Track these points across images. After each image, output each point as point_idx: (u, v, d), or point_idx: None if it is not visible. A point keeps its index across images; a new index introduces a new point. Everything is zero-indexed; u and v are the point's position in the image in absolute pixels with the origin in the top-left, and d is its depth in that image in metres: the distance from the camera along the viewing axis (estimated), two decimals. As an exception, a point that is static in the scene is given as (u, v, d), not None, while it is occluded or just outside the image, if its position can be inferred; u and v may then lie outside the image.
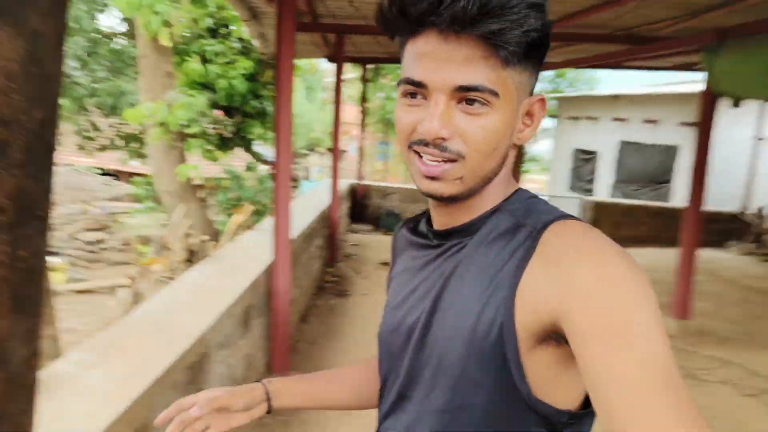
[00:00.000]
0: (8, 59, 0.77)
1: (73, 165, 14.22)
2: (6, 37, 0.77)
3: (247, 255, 3.12)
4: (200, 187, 8.46)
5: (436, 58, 0.62)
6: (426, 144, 0.65)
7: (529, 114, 0.69)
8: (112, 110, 11.90)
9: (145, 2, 6.60)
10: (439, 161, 0.66)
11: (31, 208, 0.84)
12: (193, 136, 7.60)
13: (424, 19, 0.61)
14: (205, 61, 7.56)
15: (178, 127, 7.23)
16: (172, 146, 7.65)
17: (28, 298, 0.87)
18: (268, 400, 0.88)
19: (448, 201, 0.70)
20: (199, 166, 7.92)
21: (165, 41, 6.95)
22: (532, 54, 0.64)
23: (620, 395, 0.51)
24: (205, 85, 7.55)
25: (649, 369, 0.51)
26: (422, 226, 0.81)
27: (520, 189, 0.74)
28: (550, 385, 0.63)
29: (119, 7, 7.04)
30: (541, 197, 0.72)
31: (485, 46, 0.60)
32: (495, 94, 0.62)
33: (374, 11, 0.68)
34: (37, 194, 0.83)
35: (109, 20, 24.23)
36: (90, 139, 12.23)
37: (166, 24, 6.77)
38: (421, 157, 0.67)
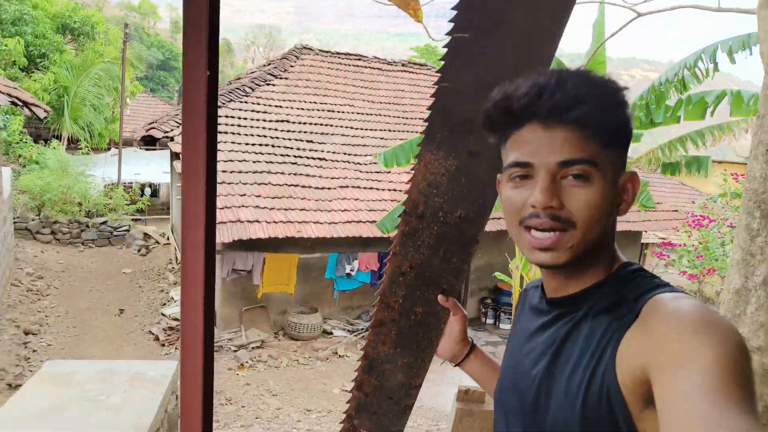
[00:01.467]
0: (436, 174, 1.10)
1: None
2: (436, 159, 1.10)
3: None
4: None
5: (540, 143, 0.72)
6: (537, 216, 0.72)
7: (623, 189, 0.76)
8: None
9: None
10: (550, 230, 0.72)
11: (435, 280, 1.14)
12: None
13: (527, 112, 0.72)
14: None
15: None
16: None
17: (411, 340, 1.15)
18: (469, 352, 1.13)
19: (560, 269, 0.76)
20: None
21: None
22: (619, 136, 0.75)
23: (673, 413, 0.56)
24: None
25: (722, 382, 0.55)
26: (536, 292, 0.90)
27: (625, 262, 0.79)
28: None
29: None
30: (643, 270, 0.78)
31: (580, 129, 0.71)
32: (594, 164, 0.71)
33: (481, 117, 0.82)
34: (443, 271, 1.13)
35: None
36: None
37: None
38: (530, 231, 0.74)
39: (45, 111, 7.95)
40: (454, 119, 1.09)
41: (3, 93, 6.46)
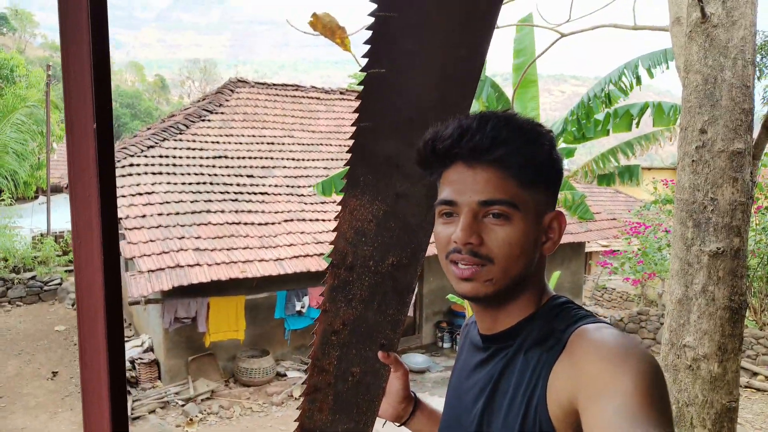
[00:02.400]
0: (362, 221, 1.00)
1: None
2: (361, 204, 1.00)
3: None
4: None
5: (463, 182, 0.77)
6: (459, 251, 0.76)
7: (549, 227, 0.80)
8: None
9: None
10: (470, 265, 0.76)
11: (371, 335, 1.03)
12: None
13: (451, 153, 0.77)
14: None
15: None
16: None
17: (350, 404, 1.03)
18: (414, 409, 1.07)
19: (482, 302, 0.81)
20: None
21: None
22: (543, 176, 0.78)
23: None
24: None
25: (642, 411, 0.59)
26: (473, 328, 0.92)
27: (553, 296, 0.83)
28: None
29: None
30: (570, 302, 0.82)
31: (500, 170, 0.75)
32: (514, 206, 0.74)
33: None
34: (379, 325, 1.02)
35: None
36: None
37: None
38: (456, 264, 0.78)
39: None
40: (376, 160, 0.99)
41: None
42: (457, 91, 0.99)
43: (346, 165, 1.00)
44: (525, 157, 0.75)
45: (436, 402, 1.13)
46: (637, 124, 6.31)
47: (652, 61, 4.98)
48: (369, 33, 0.99)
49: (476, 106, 5.94)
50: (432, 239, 0.90)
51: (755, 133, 3.00)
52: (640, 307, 9.38)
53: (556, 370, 0.71)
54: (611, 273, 9.96)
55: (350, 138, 1.00)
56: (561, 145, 7.23)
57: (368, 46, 0.99)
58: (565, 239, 9.80)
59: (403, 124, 1.00)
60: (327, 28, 2.29)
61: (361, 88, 1.01)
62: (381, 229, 1.01)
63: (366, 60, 1.00)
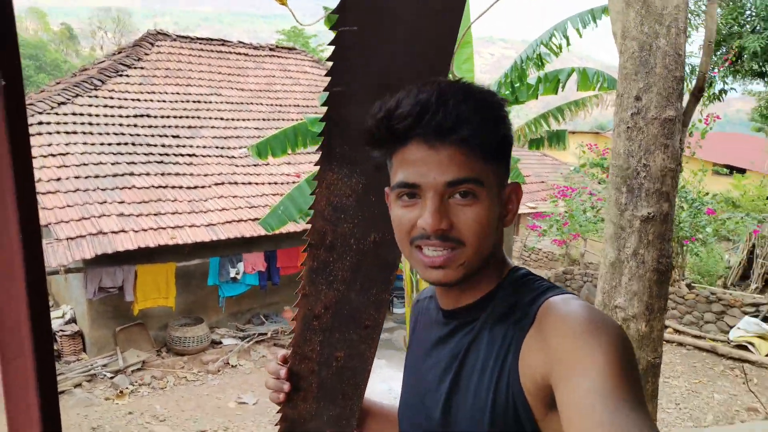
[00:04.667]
0: (341, 195, 0.94)
1: None
2: (338, 178, 0.93)
3: None
4: None
5: (426, 162, 0.71)
6: (428, 237, 0.72)
7: (509, 200, 0.78)
8: None
9: None
10: (441, 250, 0.73)
11: (355, 317, 0.97)
12: None
13: (410, 133, 0.71)
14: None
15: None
16: None
17: (336, 390, 0.99)
18: (365, 415, 1.05)
19: (453, 286, 0.77)
20: None
21: None
22: (502, 150, 0.76)
23: (581, 409, 0.59)
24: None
25: (613, 385, 0.59)
26: (430, 303, 0.91)
27: (513, 267, 0.82)
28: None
29: None
30: (531, 273, 0.81)
31: (464, 148, 0.70)
32: (480, 183, 0.72)
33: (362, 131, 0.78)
34: (363, 306, 0.97)
35: None
36: None
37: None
38: (423, 250, 0.74)
39: None
40: (352, 129, 0.91)
41: None
42: (434, 52, 0.91)
43: (319, 135, 0.92)
44: (488, 133, 0.72)
45: (383, 365, 1.09)
46: (562, 88, 6.51)
47: (581, 21, 5.11)
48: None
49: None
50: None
51: (685, 102, 3.14)
52: (565, 267, 9.92)
53: (527, 344, 0.70)
54: (540, 235, 10.40)
55: (323, 104, 0.91)
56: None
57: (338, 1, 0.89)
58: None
59: (379, 89, 0.92)
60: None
61: (331, 48, 0.92)
62: (361, 204, 0.94)
63: (336, 16, 0.90)
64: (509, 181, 0.79)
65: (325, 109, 0.91)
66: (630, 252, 2.89)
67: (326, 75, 0.90)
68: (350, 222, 0.94)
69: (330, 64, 0.91)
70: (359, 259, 0.96)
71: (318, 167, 0.92)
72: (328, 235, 0.94)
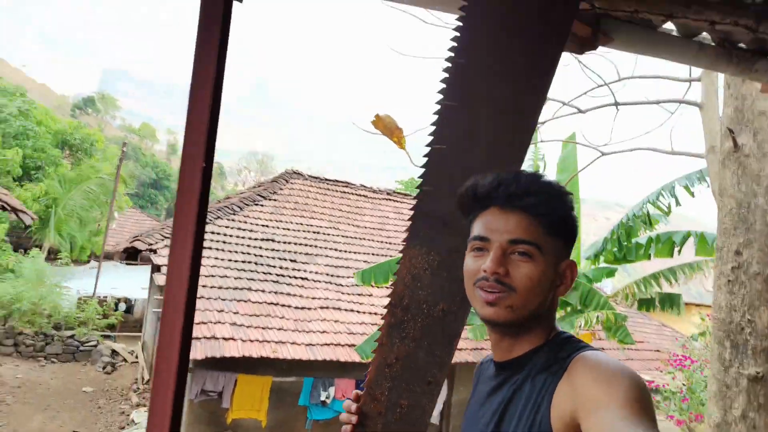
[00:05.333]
0: (419, 268, 1.18)
1: None
2: (419, 254, 1.18)
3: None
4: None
5: (496, 223, 0.91)
6: (487, 279, 0.89)
7: (563, 273, 0.93)
8: None
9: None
10: (495, 291, 0.89)
11: (420, 372, 1.16)
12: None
13: (488, 198, 0.92)
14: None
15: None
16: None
17: None
18: None
19: (501, 327, 0.93)
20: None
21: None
22: (562, 227, 0.93)
23: None
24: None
25: (630, 420, 0.72)
26: (489, 364, 1.05)
27: (559, 331, 0.96)
28: None
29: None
30: (573, 336, 0.96)
31: (530, 217, 0.90)
32: (538, 247, 0.89)
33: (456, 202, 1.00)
34: (428, 364, 1.16)
35: None
36: None
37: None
38: (482, 290, 0.91)
39: (31, 218, 8.04)
40: (434, 218, 1.19)
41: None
42: (504, 163, 1.20)
43: (408, 219, 1.20)
44: (550, 207, 0.91)
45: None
46: (679, 251, 6.34)
47: (689, 182, 5.19)
48: (435, 117, 1.24)
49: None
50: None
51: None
52: (683, 449, 8.68)
53: (559, 390, 0.83)
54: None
55: (413, 198, 1.22)
56: (601, 264, 7.26)
57: (433, 127, 1.23)
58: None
59: (456, 190, 1.22)
60: (387, 127, 2.62)
61: (424, 160, 1.25)
62: (434, 277, 1.18)
63: (431, 138, 1.24)
64: (571, 260, 0.95)
65: (415, 201, 1.20)
66: (738, 414, 2.70)
67: (419, 177, 1.21)
68: (425, 290, 1.17)
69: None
70: (428, 323, 1.17)
71: (404, 244, 1.19)
72: (406, 298, 1.18)
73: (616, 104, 3.90)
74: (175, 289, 1.14)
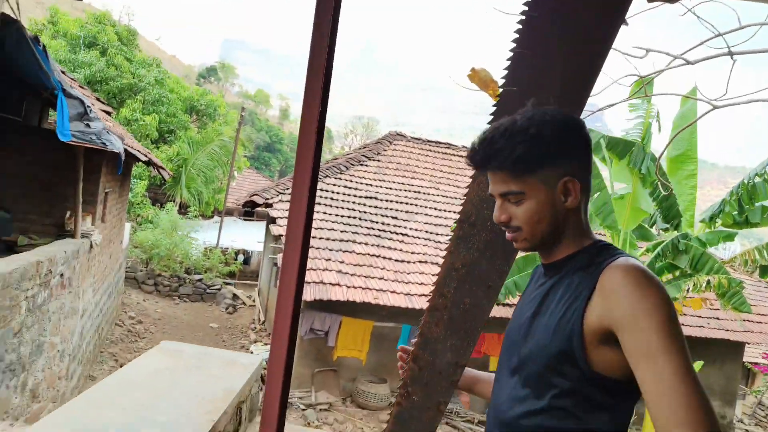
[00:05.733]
0: (485, 191, 1.38)
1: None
2: (486, 180, 1.39)
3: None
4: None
5: (491, 181, 1.07)
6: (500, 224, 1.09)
7: (565, 191, 1.03)
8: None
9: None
10: (509, 233, 1.08)
11: (482, 278, 1.40)
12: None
13: (471, 165, 1.10)
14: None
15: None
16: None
17: (459, 326, 1.39)
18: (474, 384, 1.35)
19: (529, 251, 1.10)
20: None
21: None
22: (539, 164, 1.01)
23: (640, 361, 0.86)
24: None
25: (662, 344, 0.85)
26: (540, 268, 1.19)
27: (596, 240, 1.07)
28: (609, 366, 0.94)
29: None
30: (611, 245, 1.05)
31: (504, 172, 1.03)
32: (521, 193, 1.03)
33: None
34: (488, 272, 1.40)
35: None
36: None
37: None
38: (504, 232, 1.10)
39: (169, 175, 9.15)
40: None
41: (143, 154, 7.60)
42: (568, 104, 1.37)
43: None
44: (514, 160, 1.01)
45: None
46: (815, 218, 5.81)
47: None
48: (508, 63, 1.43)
49: (634, 179, 5.95)
50: None
51: None
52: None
53: (594, 298, 0.94)
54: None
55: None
56: (718, 228, 6.81)
57: (506, 71, 1.43)
58: (718, 335, 8.94)
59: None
60: (482, 81, 2.79)
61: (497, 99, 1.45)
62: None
63: (503, 81, 1.44)
64: (566, 178, 1.03)
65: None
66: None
67: (490, 115, 1.42)
68: (490, 210, 1.39)
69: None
70: (491, 238, 1.40)
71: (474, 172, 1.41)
72: (473, 215, 1.41)
73: (731, 54, 3.68)
74: (293, 233, 1.46)
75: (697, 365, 6.16)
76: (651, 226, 7.00)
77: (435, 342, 1.45)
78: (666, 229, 6.67)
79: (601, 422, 0.95)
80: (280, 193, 9.63)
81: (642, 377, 0.87)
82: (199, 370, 1.82)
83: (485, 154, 1.04)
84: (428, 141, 12.69)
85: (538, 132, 1.01)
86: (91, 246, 5.87)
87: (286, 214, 8.56)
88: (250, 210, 18.02)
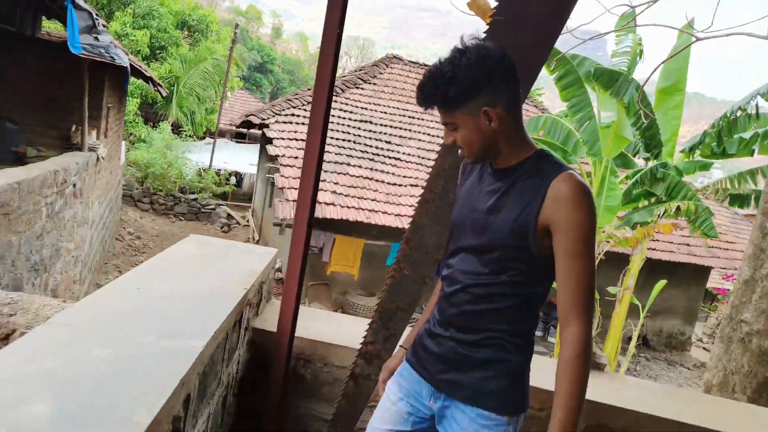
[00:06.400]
0: (442, 168, 1.67)
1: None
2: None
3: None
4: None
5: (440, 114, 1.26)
6: None
7: (488, 117, 1.21)
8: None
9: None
10: (459, 151, 1.28)
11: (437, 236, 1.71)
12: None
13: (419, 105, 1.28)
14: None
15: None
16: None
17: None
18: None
19: (475, 164, 1.36)
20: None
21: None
22: (462, 99, 1.19)
23: (561, 257, 1.17)
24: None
25: (578, 248, 1.16)
26: (487, 166, 1.35)
27: (536, 149, 1.28)
28: (547, 252, 1.21)
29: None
30: (551, 154, 1.27)
31: (440, 107, 1.23)
32: (454, 124, 1.24)
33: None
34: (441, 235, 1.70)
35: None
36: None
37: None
38: None
39: (166, 92, 9.19)
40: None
41: (139, 70, 7.64)
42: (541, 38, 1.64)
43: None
44: (439, 101, 1.22)
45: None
46: (791, 149, 6.09)
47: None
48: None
49: (619, 108, 6.15)
50: None
51: None
52: None
53: (545, 201, 1.19)
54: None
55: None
56: (696, 158, 7.12)
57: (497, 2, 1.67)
58: (683, 259, 9.54)
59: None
60: (481, 8, 2.98)
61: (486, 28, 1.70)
62: (450, 181, 1.69)
63: (494, 9, 1.68)
64: (485, 108, 1.20)
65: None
66: (765, 273, 3.04)
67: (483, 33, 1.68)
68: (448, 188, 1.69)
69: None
70: (444, 211, 1.70)
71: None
72: (446, 163, 1.71)
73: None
74: (312, 144, 1.75)
75: (660, 284, 6.70)
76: (634, 155, 7.29)
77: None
78: (647, 159, 6.96)
79: (536, 291, 1.28)
80: (276, 114, 9.75)
81: (559, 268, 1.19)
82: (226, 256, 2.16)
83: (421, 98, 1.24)
84: (425, 65, 12.64)
85: (454, 74, 1.18)
86: (98, 159, 6.09)
87: (283, 135, 8.77)
88: (242, 132, 18.06)
